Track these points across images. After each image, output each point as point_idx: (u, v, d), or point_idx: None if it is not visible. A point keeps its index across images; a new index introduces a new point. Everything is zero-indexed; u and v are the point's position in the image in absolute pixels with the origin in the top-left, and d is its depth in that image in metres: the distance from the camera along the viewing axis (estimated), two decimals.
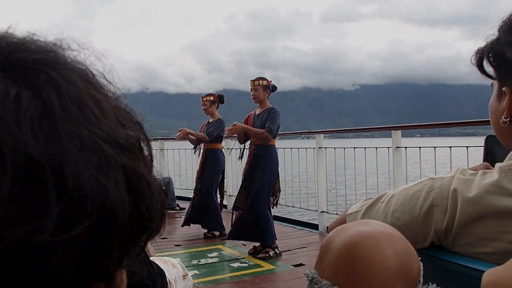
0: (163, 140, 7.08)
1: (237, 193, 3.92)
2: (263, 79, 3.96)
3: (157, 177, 0.34)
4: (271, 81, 3.98)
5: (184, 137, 4.75)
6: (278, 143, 4.07)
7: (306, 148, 5.41)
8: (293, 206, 5.59)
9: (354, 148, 4.87)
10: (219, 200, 4.74)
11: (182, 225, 4.76)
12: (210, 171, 4.65)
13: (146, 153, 0.36)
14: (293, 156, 5.61)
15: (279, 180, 3.88)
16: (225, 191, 5.48)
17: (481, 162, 0.97)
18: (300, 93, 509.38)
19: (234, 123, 3.93)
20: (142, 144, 0.36)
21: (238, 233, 3.88)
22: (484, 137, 1.07)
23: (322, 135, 5.01)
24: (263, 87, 3.93)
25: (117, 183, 0.31)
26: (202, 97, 4.83)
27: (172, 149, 6.68)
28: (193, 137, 4.74)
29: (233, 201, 4.03)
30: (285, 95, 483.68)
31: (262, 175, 3.76)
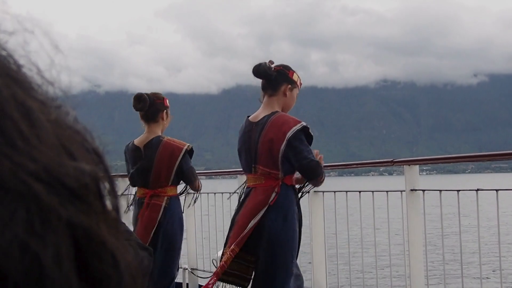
0: (126, 179, 5.44)
1: None
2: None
3: (132, 243, 0.25)
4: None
5: None
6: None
7: (386, 192, 4.24)
8: None
9: (477, 190, 3.75)
10: None
11: None
12: None
13: (109, 203, 0.28)
14: (364, 204, 4.44)
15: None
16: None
17: None
18: (376, 91, 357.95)
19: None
20: (103, 188, 0.27)
21: None
22: None
23: (417, 166, 4.11)
24: None
25: (59, 256, 0.24)
26: None
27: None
28: None
29: None
30: (348, 95, 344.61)
31: None
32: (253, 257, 3.15)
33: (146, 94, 3.88)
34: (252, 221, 3.10)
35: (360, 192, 4.32)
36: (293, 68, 3.39)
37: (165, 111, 3.88)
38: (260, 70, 3.26)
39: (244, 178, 5.00)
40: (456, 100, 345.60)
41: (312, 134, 3.22)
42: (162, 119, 3.87)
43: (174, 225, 3.84)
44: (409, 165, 4.12)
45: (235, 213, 3.29)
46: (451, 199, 3.99)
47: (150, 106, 3.84)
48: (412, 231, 4.05)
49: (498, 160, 4.37)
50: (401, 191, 4.08)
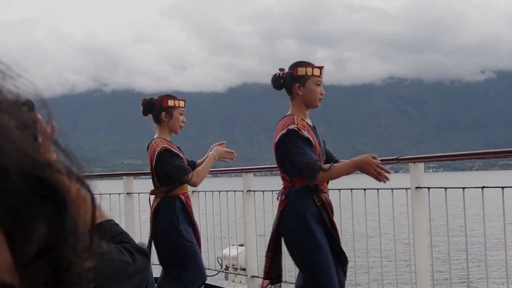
0: (132, 177, 5.76)
1: None
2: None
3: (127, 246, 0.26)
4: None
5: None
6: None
7: (391, 189, 4.12)
8: None
9: (482, 188, 3.74)
10: None
11: None
12: None
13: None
14: (369, 202, 4.30)
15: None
16: None
17: None
18: (383, 88, 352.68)
19: None
20: None
21: None
22: None
23: (422, 164, 4.06)
24: None
25: None
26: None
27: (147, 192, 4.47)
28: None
29: None
30: (354, 92, 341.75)
31: None
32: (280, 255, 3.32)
33: (149, 99, 3.91)
34: (273, 225, 3.25)
35: (365, 190, 4.28)
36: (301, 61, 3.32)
37: (163, 112, 3.83)
38: (273, 85, 3.33)
39: (248, 176, 5.03)
40: (464, 97, 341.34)
41: (303, 135, 3.12)
42: (164, 120, 3.83)
43: (163, 226, 3.81)
44: (414, 162, 4.06)
45: None
46: (456, 196, 3.96)
47: (150, 109, 3.87)
48: (417, 229, 3.99)
49: (503, 157, 4.30)
50: (407, 189, 4.03)
